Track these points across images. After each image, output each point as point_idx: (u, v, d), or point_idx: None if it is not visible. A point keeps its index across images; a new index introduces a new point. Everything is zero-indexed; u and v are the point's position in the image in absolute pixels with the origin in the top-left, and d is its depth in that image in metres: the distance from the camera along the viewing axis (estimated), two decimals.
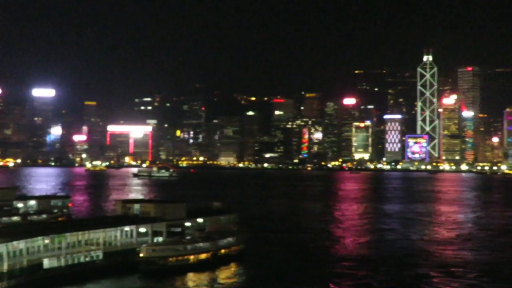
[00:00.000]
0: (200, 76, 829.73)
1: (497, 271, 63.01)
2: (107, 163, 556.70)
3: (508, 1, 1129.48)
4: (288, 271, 62.59)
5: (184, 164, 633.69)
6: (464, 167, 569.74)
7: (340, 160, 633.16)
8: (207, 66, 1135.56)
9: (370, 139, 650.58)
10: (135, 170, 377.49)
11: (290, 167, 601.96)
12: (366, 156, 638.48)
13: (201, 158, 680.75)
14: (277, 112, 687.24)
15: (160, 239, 64.26)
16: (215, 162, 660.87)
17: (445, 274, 61.27)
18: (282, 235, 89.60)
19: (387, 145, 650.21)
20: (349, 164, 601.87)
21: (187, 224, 67.36)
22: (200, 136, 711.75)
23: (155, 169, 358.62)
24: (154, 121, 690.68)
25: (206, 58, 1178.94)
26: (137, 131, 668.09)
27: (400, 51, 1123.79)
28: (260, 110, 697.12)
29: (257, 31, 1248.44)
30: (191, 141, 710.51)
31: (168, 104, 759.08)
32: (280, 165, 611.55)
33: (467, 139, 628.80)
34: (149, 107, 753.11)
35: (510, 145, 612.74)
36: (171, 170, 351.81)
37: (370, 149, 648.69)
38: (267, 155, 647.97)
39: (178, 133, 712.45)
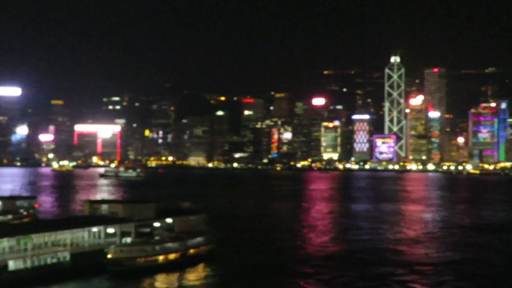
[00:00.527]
0: (169, 75, 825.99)
1: (461, 269, 64.26)
2: (75, 163, 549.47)
3: (473, 4, 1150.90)
4: (258, 271, 62.76)
5: (153, 164, 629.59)
6: (430, 166, 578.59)
7: (309, 160, 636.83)
8: (176, 66, 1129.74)
9: (338, 139, 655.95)
10: (102, 170, 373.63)
11: (260, 167, 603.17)
12: (335, 156, 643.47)
13: (170, 158, 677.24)
14: (246, 112, 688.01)
15: (129, 239, 63.78)
16: (184, 162, 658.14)
17: (412, 272, 62.25)
18: (251, 234, 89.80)
19: (355, 145, 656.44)
20: (318, 164, 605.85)
21: (156, 224, 67.00)
22: (169, 136, 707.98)
23: (121, 169, 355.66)
24: (122, 121, 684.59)
25: (176, 57, 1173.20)
26: (105, 131, 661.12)
27: (368, 52, 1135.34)
28: (230, 110, 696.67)
29: (227, 31, 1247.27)
30: (160, 141, 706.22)
31: (137, 104, 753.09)
32: (250, 165, 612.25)
33: (433, 139, 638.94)
34: (118, 107, 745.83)
35: (475, 145, 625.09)
36: (138, 170, 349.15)
37: (338, 149, 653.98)
38: (237, 155, 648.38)
39: (147, 132, 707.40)
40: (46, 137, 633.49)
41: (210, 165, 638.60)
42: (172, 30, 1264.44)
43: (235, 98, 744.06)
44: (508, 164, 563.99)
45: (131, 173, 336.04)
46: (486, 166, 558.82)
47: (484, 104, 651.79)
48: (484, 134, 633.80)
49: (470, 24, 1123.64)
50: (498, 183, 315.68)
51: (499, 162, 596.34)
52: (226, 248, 73.39)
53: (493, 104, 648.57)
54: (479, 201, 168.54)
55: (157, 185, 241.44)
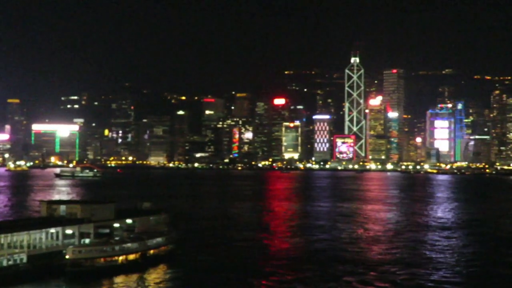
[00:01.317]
0: (129, 74, 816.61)
1: (419, 267, 65.58)
2: (32, 163, 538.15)
3: (430, 6, 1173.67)
4: (217, 271, 62.77)
5: (113, 164, 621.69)
6: (389, 166, 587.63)
7: (270, 159, 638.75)
8: (136, 65, 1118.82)
9: (299, 139, 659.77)
10: (58, 170, 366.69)
11: (221, 167, 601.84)
12: (296, 155, 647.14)
13: (130, 158, 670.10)
14: (207, 112, 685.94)
15: (87, 240, 62.96)
16: (144, 162, 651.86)
17: (370, 270, 63.17)
18: (212, 234, 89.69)
19: (316, 145, 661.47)
20: (279, 164, 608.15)
21: (116, 225, 66.30)
22: (129, 135, 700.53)
23: (78, 169, 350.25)
24: (81, 120, 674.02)
25: (135, 56, 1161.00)
26: (64, 130, 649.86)
27: (328, 53, 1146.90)
28: (191, 109, 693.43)
29: (187, 30, 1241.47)
30: (119, 140, 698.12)
31: (96, 103, 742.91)
32: (211, 165, 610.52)
33: (392, 139, 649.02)
34: (76, 106, 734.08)
35: (432, 145, 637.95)
36: (95, 170, 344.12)
37: (299, 148, 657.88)
38: (198, 155, 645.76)
39: (106, 132, 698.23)
40: (1, 137, 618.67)
41: (170, 165, 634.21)
42: (131, 28, 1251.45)
43: (196, 98, 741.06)
44: (464, 164, 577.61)
45: (88, 173, 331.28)
46: (443, 165, 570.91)
47: (441, 105, 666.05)
48: (441, 134, 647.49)
49: (428, 27, 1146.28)
50: (454, 182, 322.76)
51: (455, 161, 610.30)
52: (186, 248, 73.15)
53: (449, 105, 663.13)
54: (435, 200, 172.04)
55: (115, 185, 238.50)
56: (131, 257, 61.80)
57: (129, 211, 74.45)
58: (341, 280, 58.56)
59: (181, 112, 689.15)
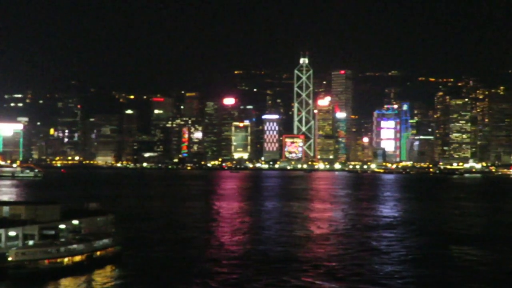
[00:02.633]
0: (75, 72, 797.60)
1: (365, 264, 66.82)
2: None
3: (377, 8, 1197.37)
4: (166, 272, 62.35)
5: (58, 164, 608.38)
6: (337, 166, 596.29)
7: (220, 159, 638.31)
8: (82, 62, 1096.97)
9: (249, 139, 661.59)
10: None
11: (170, 167, 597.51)
12: (245, 155, 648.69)
13: (77, 158, 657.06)
14: (156, 111, 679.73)
15: (31, 242, 61.36)
16: (91, 162, 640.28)
17: (317, 268, 63.95)
18: (160, 235, 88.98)
19: (265, 144, 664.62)
20: (229, 163, 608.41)
21: (62, 226, 64.82)
22: (76, 134, 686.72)
23: (18, 169, 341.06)
24: (25, 119, 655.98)
25: (82, 53, 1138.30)
26: (7, 129, 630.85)
27: (278, 53, 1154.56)
28: (139, 108, 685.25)
29: (136, 28, 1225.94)
30: (66, 140, 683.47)
31: (41, 101, 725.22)
32: (160, 165, 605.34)
33: (340, 139, 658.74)
34: (20, 104, 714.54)
35: (379, 145, 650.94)
36: (36, 170, 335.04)
37: (249, 148, 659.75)
38: (146, 155, 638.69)
39: (51, 131, 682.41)
40: None
41: (118, 164, 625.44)
42: (78, 25, 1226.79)
43: (144, 97, 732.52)
44: (409, 163, 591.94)
45: (29, 173, 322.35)
46: (389, 165, 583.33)
47: (387, 106, 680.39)
48: (387, 134, 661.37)
49: (375, 29, 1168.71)
50: (400, 181, 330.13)
51: (401, 161, 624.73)
52: (134, 249, 72.33)
53: (395, 106, 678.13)
54: (382, 199, 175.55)
55: (59, 185, 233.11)
56: (77, 258, 60.59)
57: (76, 212, 72.92)
58: (286, 278, 59.01)
59: (129, 111, 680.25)
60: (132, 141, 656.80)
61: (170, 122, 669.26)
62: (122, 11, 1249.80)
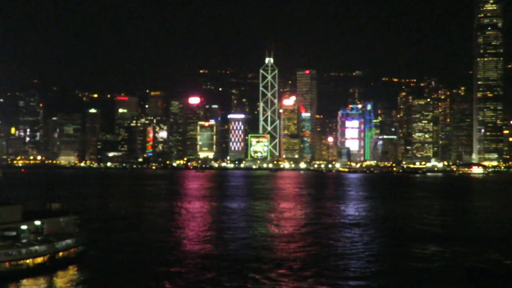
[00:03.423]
0: (37, 70, 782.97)
1: (329, 263, 67.51)
2: None
3: (341, 9, 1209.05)
4: (129, 273, 61.90)
5: (20, 163, 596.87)
6: (302, 165, 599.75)
7: (185, 159, 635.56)
8: (44, 60, 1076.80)
9: (214, 138, 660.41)
10: None
11: (134, 166, 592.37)
12: (211, 155, 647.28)
13: (39, 157, 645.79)
14: (120, 110, 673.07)
15: None
16: (54, 162, 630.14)
17: (279, 267, 64.35)
18: (124, 235, 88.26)
19: (231, 144, 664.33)
20: (194, 163, 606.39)
21: (23, 227, 63.74)
22: (38, 134, 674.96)
23: None
24: None
25: (44, 51, 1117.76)
26: None
27: (243, 52, 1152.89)
28: (103, 107, 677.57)
29: (98, 26, 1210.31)
30: (27, 139, 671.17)
31: (1, 100, 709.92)
32: (124, 164, 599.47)
33: (305, 139, 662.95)
34: None
35: (343, 144, 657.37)
36: None
37: (214, 148, 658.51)
38: (110, 154, 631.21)
39: (12, 130, 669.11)
40: None
41: (82, 164, 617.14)
42: (39, 22, 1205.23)
43: (108, 96, 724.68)
44: (373, 162, 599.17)
45: None
46: (353, 164, 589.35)
47: (351, 106, 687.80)
48: (351, 134, 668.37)
49: (339, 29, 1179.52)
50: (364, 180, 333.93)
51: (365, 160, 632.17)
52: (97, 250, 71.62)
53: (359, 106, 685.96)
54: (346, 198, 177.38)
55: (19, 186, 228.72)
56: (39, 260, 59.72)
57: (38, 212, 71.76)
58: (249, 278, 59.25)
59: (93, 110, 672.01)
60: (95, 140, 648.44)
61: (134, 121, 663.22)
62: (85, 9, 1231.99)
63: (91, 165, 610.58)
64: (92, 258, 66.95)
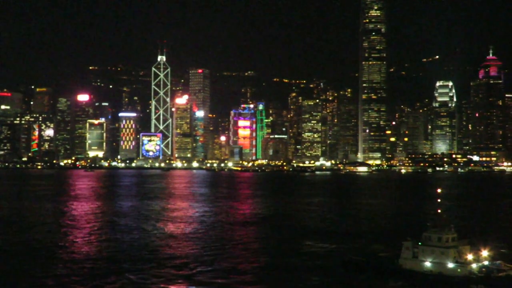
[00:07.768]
0: None
1: (221, 261, 67.96)
2: None
3: (234, 9, 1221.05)
4: (11, 277, 58.94)
5: None
6: (195, 164, 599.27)
7: (74, 158, 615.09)
8: None
9: (104, 137, 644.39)
10: None
11: (18, 166, 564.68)
12: (101, 153, 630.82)
13: None
14: (3, 107, 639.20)
15: None
16: None
17: (174, 267, 63.91)
18: (8, 237, 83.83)
19: (122, 143, 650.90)
20: (83, 162, 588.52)
21: None
22: None
23: None
24: None
25: None
26: None
27: (135, 49, 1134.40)
28: None
29: None
30: None
31: None
32: (7, 164, 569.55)
33: (198, 138, 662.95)
34: None
35: (236, 143, 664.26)
36: None
37: (104, 146, 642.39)
38: None
39: None
40: None
41: None
42: None
43: None
44: (264, 161, 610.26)
45: None
46: (245, 163, 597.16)
47: (244, 105, 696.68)
48: (243, 133, 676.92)
49: (232, 29, 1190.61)
50: (256, 179, 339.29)
51: (256, 159, 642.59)
52: None
53: (251, 105, 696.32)
54: (239, 196, 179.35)
55: None
56: None
57: None
58: (140, 277, 58.43)
59: None
60: None
61: (18, 119, 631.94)
62: None
63: None
64: None
